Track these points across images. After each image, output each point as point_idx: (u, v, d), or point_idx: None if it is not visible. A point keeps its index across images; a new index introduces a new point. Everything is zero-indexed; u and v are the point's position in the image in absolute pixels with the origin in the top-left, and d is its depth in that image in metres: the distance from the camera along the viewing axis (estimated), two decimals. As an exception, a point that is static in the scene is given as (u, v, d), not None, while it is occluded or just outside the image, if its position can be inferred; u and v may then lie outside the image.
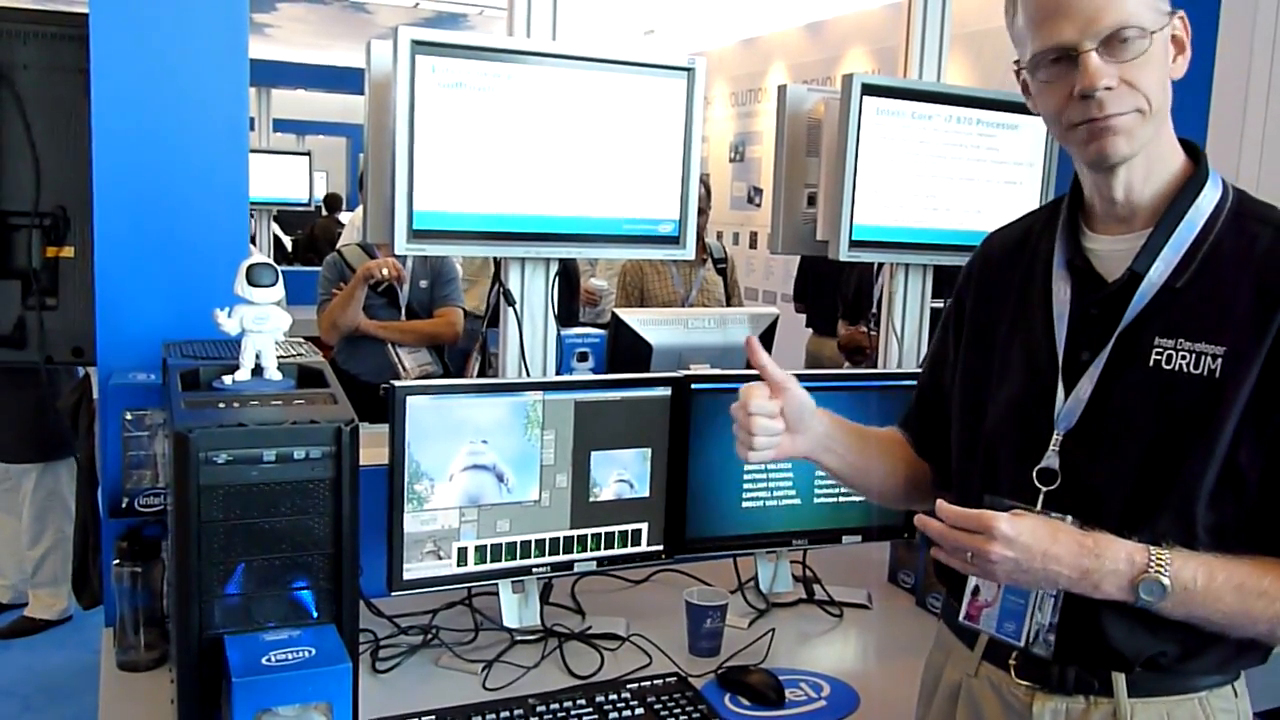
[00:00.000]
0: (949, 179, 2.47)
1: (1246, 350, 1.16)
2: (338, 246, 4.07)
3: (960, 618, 1.33)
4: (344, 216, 10.24)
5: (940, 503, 1.17)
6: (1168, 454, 1.19)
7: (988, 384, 1.36)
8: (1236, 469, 1.17)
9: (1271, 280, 1.17)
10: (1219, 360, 1.16)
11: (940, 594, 1.48)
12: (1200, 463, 1.17)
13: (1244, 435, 1.16)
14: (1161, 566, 1.13)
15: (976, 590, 1.31)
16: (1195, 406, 1.17)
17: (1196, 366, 1.17)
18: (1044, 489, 1.24)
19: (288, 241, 9.51)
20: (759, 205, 7.54)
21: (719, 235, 7.42)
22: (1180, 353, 1.18)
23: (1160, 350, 1.20)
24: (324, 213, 10.08)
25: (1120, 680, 1.23)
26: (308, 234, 9.73)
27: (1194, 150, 1.26)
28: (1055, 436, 1.25)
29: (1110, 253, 1.26)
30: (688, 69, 2.15)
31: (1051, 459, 1.24)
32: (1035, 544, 1.13)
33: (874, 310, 4.11)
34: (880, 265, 3.93)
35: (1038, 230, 1.37)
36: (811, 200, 2.50)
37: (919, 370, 1.72)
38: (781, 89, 2.46)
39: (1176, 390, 1.18)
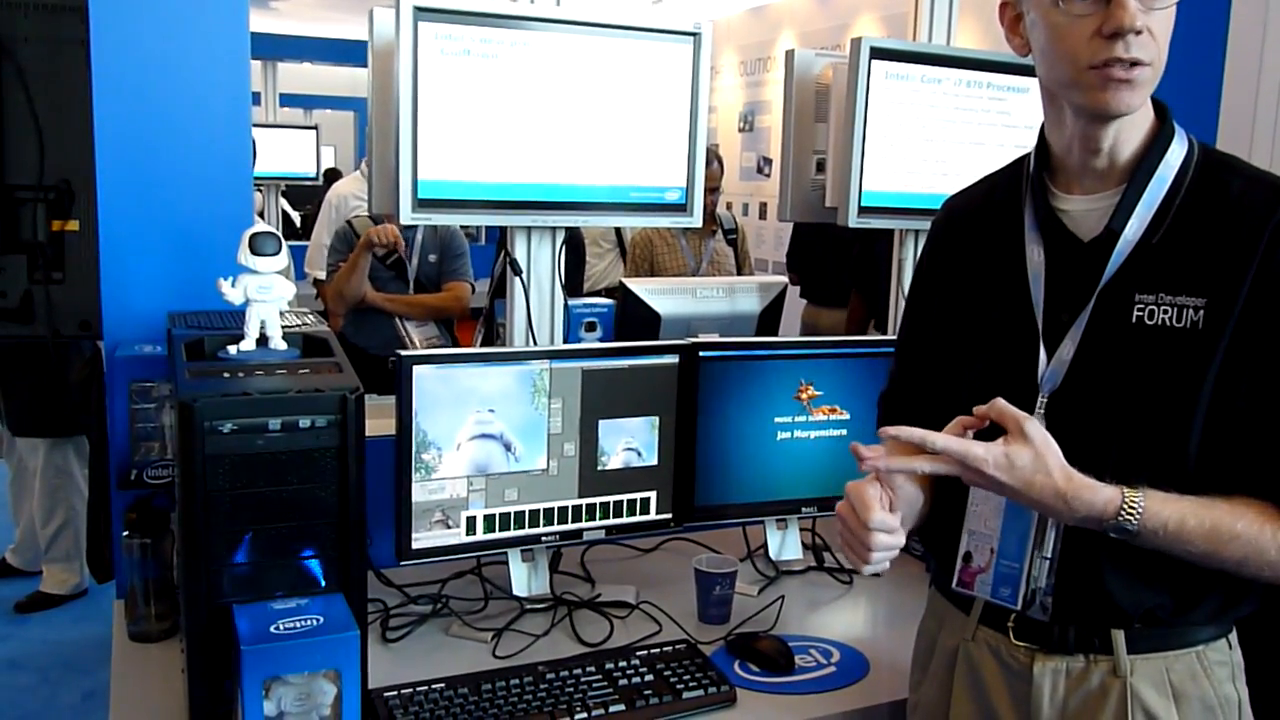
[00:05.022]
0: (959, 143, 2.44)
1: (1226, 299, 1.16)
2: (348, 218, 4.06)
3: (953, 585, 1.33)
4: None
5: (929, 434, 1.16)
6: (1157, 408, 1.19)
7: (963, 349, 1.36)
8: (1225, 417, 1.17)
9: (1245, 228, 1.17)
10: (1201, 312, 1.17)
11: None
12: (1189, 414, 1.17)
13: (1229, 382, 1.16)
14: (1132, 514, 1.14)
15: (968, 556, 1.31)
16: (1181, 360, 1.17)
17: (1179, 320, 1.18)
18: None
19: (296, 217, 9.50)
20: (768, 175, 7.50)
21: (729, 206, 7.38)
22: (1162, 307, 1.19)
23: (1142, 306, 1.20)
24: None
25: (1119, 637, 1.24)
26: (315, 209, 9.72)
27: (1160, 107, 1.25)
28: (1040, 399, 1.25)
29: (1084, 212, 1.26)
30: (694, 34, 2.13)
31: (1039, 421, 1.24)
32: (1011, 483, 1.14)
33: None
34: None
35: (1000, 193, 1.36)
36: (820, 167, 2.48)
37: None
38: (789, 54, 2.44)
39: (1161, 345, 1.18)
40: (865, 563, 1.22)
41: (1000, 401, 1.16)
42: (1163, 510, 1.14)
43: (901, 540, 1.22)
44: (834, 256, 4.52)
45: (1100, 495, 1.14)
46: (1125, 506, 1.14)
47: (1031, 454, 1.14)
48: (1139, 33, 1.13)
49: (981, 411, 1.17)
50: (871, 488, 1.22)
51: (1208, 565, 1.17)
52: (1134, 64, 1.14)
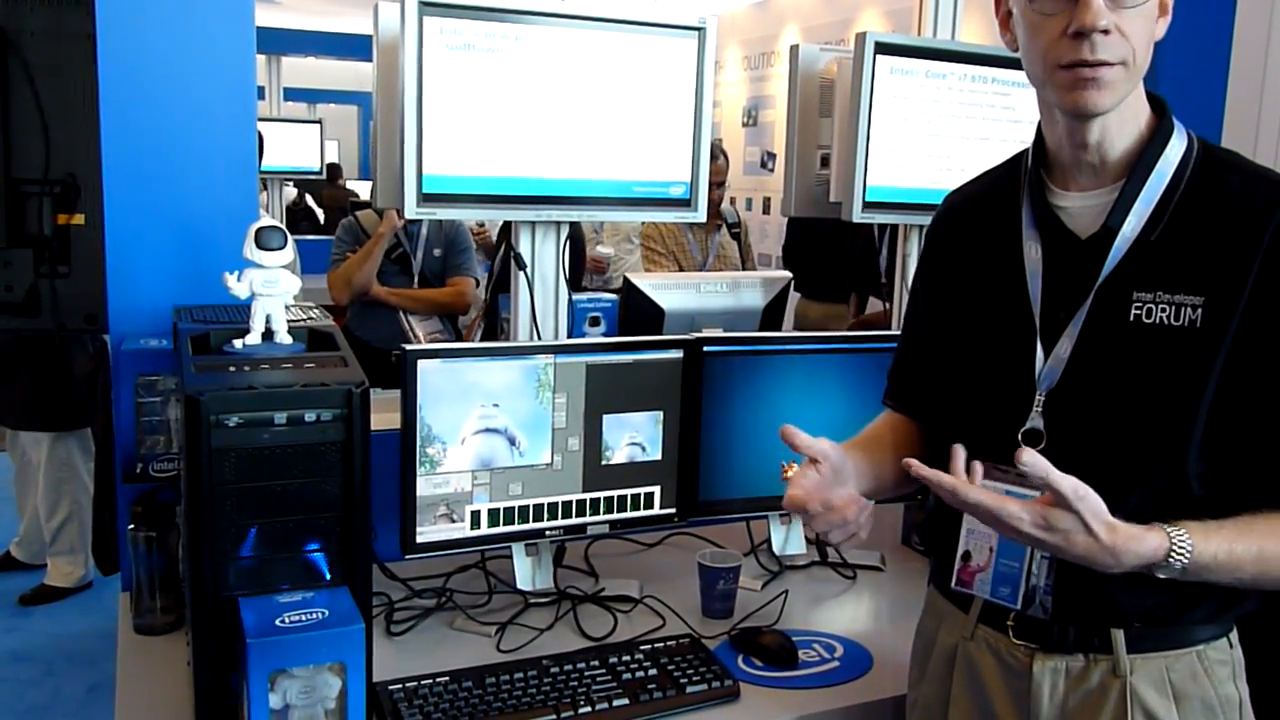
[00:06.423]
0: (963, 139, 2.44)
1: (1226, 298, 1.15)
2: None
3: (952, 584, 1.32)
4: (355, 186, 10.24)
5: (961, 486, 1.11)
6: (1154, 408, 1.18)
7: (962, 345, 1.35)
8: (1224, 418, 1.16)
9: (1246, 227, 1.16)
10: (1199, 311, 1.16)
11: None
12: (1188, 415, 1.16)
13: (1229, 383, 1.15)
14: (1182, 553, 1.10)
15: (967, 555, 1.30)
16: (1178, 359, 1.16)
17: (1177, 318, 1.17)
18: None
19: (320, 213, 9.54)
20: (772, 170, 7.49)
21: (732, 201, 7.38)
22: (1160, 305, 1.18)
23: (1139, 305, 1.19)
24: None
25: (1119, 636, 1.23)
26: (319, 203, 9.78)
27: (1158, 103, 1.25)
28: (1038, 397, 1.24)
29: (1081, 209, 1.25)
30: (698, 29, 2.13)
31: (1036, 420, 1.24)
32: (1050, 541, 1.09)
33: (884, 280, 4.08)
34: (885, 232, 3.91)
35: (1000, 188, 1.36)
36: (825, 162, 2.48)
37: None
38: (794, 49, 2.44)
39: (1158, 344, 1.17)
40: (831, 541, 1.23)
41: (1049, 468, 1.06)
42: (1208, 543, 1.11)
43: (850, 512, 1.21)
44: (825, 251, 4.52)
45: (1147, 543, 1.09)
46: (1174, 548, 1.10)
47: (1073, 518, 1.07)
48: (1106, 32, 1.12)
49: (1027, 468, 1.06)
50: (812, 481, 1.22)
51: (1256, 588, 1.15)
52: (1102, 64, 1.14)
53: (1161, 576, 1.12)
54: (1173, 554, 1.10)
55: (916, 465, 1.13)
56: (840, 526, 1.21)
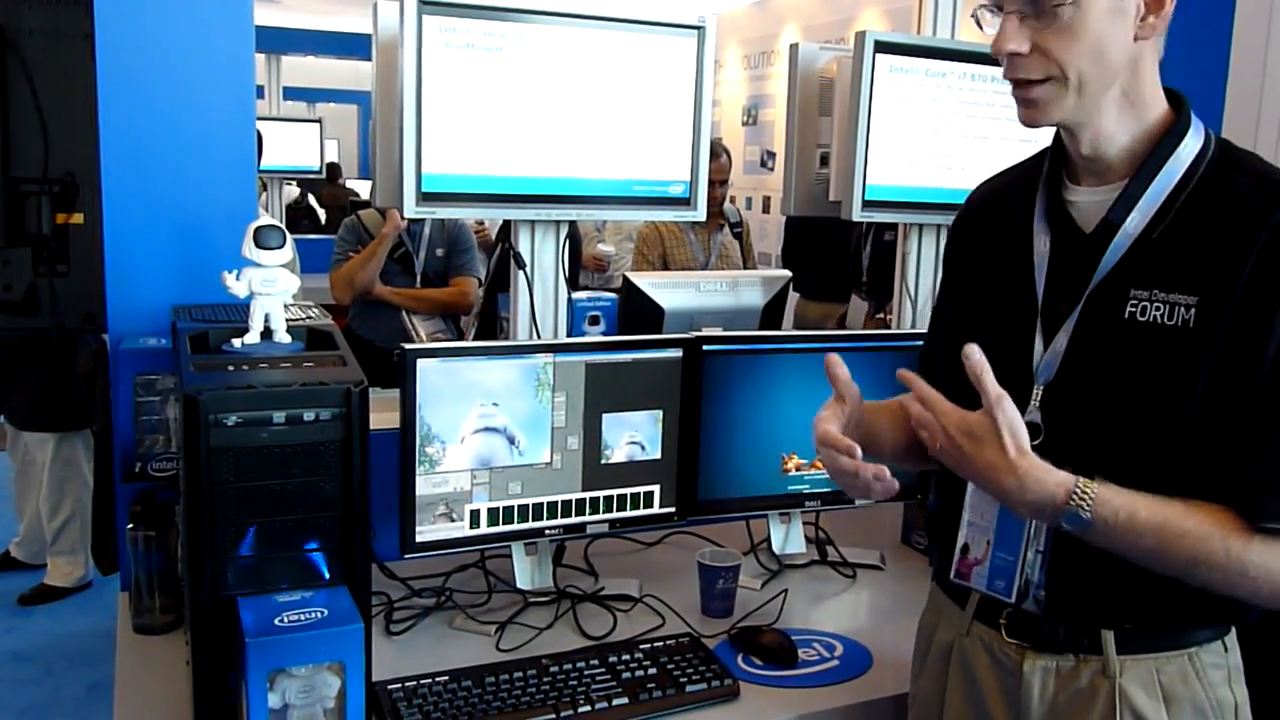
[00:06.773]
0: (963, 138, 2.43)
1: (1218, 300, 1.14)
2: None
3: (951, 576, 1.34)
4: (355, 185, 10.25)
5: (919, 384, 1.19)
6: (1145, 406, 1.17)
7: (971, 336, 1.35)
8: (1212, 419, 1.15)
9: (1243, 227, 1.14)
10: (1192, 311, 1.15)
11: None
12: (1176, 414, 1.16)
13: (1216, 385, 1.14)
14: (1084, 501, 1.11)
15: (966, 548, 1.31)
16: (1169, 359, 1.16)
17: (1170, 318, 1.16)
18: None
19: (321, 213, 9.55)
20: (772, 169, 7.49)
21: (732, 199, 7.38)
22: (1155, 304, 1.17)
23: (1135, 302, 1.19)
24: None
25: (1109, 637, 1.23)
26: (320, 201, 9.79)
27: (1177, 101, 1.24)
28: (1036, 390, 1.24)
29: (1089, 204, 1.25)
30: (698, 27, 2.13)
31: (1034, 413, 1.24)
32: (967, 450, 1.14)
33: (864, 279, 4.09)
34: (867, 232, 3.92)
35: (1021, 182, 1.36)
36: (824, 160, 2.47)
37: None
38: (793, 47, 2.43)
39: (1151, 343, 1.17)
40: (883, 489, 1.22)
41: (985, 369, 1.12)
42: (1115, 499, 1.12)
43: (867, 473, 1.20)
44: (824, 251, 4.52)
45: (1053, 476, 1.12)
46: (1078, 489, 1.11)
47: (990, 427, 1.11)
48: (1019, 54, 1.15)
49: (968, 360, 1.13)
50: (826, 411, 1.28)
51: (1163, 568, 1.14)
52: (1028, 83, 1.16)
53: (1067, 528, 1.13)
54: (1074, 497, 1.11)
55: (904, 372, 1.21)
56: (852, 479, 1.22)
